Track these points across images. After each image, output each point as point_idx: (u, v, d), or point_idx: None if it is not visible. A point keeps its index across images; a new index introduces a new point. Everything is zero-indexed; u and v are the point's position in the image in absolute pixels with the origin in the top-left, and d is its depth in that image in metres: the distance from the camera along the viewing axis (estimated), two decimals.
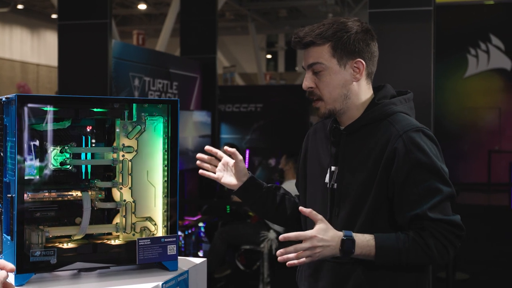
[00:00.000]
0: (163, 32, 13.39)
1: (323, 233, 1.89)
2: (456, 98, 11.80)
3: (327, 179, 2.09)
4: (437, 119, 9.96)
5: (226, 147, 2.18)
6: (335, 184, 2.05)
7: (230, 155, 2.18)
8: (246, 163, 9.34)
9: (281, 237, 1.90)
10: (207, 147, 2.21)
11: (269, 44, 25.35)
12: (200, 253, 6.51)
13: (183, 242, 6.29)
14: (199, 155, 2.22)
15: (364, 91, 2.08)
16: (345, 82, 2.03)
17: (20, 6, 18.19)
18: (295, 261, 1.89)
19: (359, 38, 2.03)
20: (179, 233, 6.22)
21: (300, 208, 1.96)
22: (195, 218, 6.78)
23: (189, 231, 6.42)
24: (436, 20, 7.45)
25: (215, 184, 7.88)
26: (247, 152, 9.46)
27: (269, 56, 26.52)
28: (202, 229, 6.70)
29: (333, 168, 2.08)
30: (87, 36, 5.42)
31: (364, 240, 1.92)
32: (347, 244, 1.90)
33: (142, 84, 6.51)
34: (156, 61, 7.17)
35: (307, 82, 2.05)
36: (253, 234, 5.75)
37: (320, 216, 1.92)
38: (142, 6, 18.02)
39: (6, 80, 19.51)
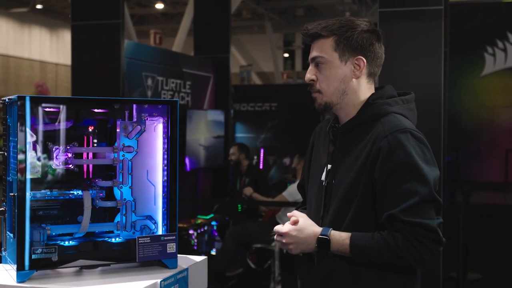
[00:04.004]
0: (180, 31, 13.46)
1: (297, 232, 2.04)
2: (472, 97, 11.72)
3: (323, 177, 2.14)
4: (453, 118, 9.91)
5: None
6: (329, 182, 2.11)
7: None
8: (261, 163, 9.36)
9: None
10: None
11: (286, 43, 25.30)
12: (213, 252, 6.54)
13: (195, 240, 6.33)
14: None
15: (363, 90, 2.10)
16: (344, 77, 2.07)
17: (39, 6, 18.37)
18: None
19: (364, 36, 2.06)
20: (192, 231, 6.26)
21: (288, 214, 2.09)
22: (208, 217, 6.82)
23: (202, 230, 6.46)
24: (452, 18, 7.40)
25: (227, 183, 7.91)
26: (262, 151, 9.48)
27: (286, 55, 26.49)
28: (215, 228, 6.73)
29: (329, 166, 2.13)
30: (100, 37, 5.47)
31: (340, 239, 2.00)
32: (322, 242, 2.01)
33: (155, 84, 6.56)
34: (169, 61, 7.21)
35: (309, 74, 2.11)
36: (264, 233, 5.78)
37: (298, 215, 2.08)
38: (159, 6, 18.11)
39: (25, 80, 19.73)
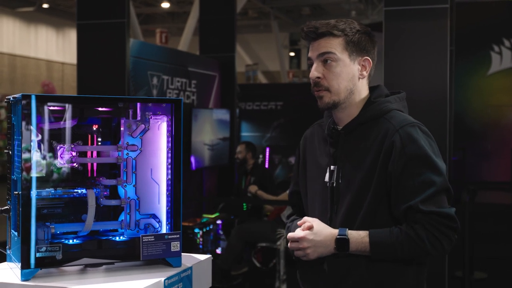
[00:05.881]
0: (185, 30, 13.47)
1: (314, 235, 2.01)
2: (479, 96, 11.68)
3: (326, 178, 2.13)
4: (460, 117, 9.88)
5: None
6: (335, 183, 2.10)
7: None
8: (266, 161, 9.36)
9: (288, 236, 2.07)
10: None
11: (292, 42, 25.28)
12: (218, 250, 6.55)
13: (201, 239, 6.34)
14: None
15: (364, 90, 2.15)
16: (352, 76, 2.09)
17: (45, 5, 18.42)
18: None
19: (368, 39, 2.12)
20: (197, 230, 6.27)
21: (298, 222, 2.07)
22: (213, 216, 6.82)
23: (207, 229, 6.46)
24: (458, 17, 7.37)
25: (233, 182, 7.92)
26: (267, 150, 9.48)
27: (292, 54, 26.47)
28: (220, 227, 6.74)
29: (332, 167, 2.12)
30: (105, 36, 5.49)
31: (358, 238, 1.99)
32: (341, 242, 1.99)
33: (160, 83, 6.56)
34: (175, 60, 7.21)
35: (316, 72, 2.09)
36: (270, 231, 5.78)
37: (311, 220, 2.04)
38: (165, 5, 18.12)
39: (31, 79, 19.79)
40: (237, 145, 7.45)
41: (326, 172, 2.14)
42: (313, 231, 2.02)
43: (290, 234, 2.06)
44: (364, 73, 2.12)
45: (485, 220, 7.62)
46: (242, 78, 16.49)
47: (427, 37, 4.54)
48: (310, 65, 2.13)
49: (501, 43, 11.44)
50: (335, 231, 2.01)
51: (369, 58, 2.12)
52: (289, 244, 2.08)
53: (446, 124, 4.45)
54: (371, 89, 2.18)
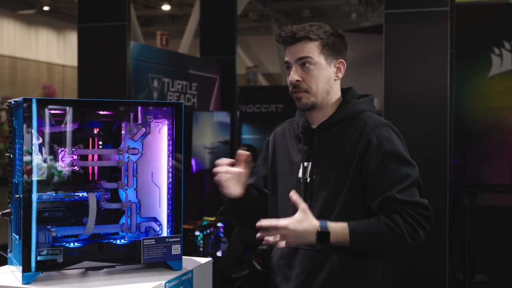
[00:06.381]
0: (186, 33, 13.47)
1: (296, 224, 2.04)
2: (479, 98, 11.66)
3: (300, 174, 2.21)
4: (460, 119, 9.87)
5: (241, 152, 2.35)
6: (308, 178, 2.18)
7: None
8: None
9: (257, 224, 2.06)
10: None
11: None
12: (219, 253, 6.55)
13: (201, 242, 6.34)
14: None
15: (338, 91, 2.26)
16: (329, 79, 2.20)
17: (46, 8, 18.43)
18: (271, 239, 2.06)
19: (341, 42, 2.24)
20: (197, 233, 6.27)
21: (291, 194, 2.09)
22: (214, 218, 6.82)
23: (208, 231, 6.46)
24: (458, 19, 7.37)
25: None
26: None
27: None
28: (221, 229, 6.73)
29: (306, 163, 2.21)
30: (106, 38, 5.49)
31: (338, 229, 2.05)
32: (322, 236, 2.04)
33: (161, 85, 6.57)
34: (175, 62, 7.21)
35: (295, 75, 2.18)
36: None
37: (302, 206, 2.06)
38: (165, 7, 18.13)
39: (32, 81, 19.80)
40: (238, 147, 7.44)
41: (299, 168, 2.21)
42: (296, 219, 2.04)
43: (271, 222, 2.05)
44: (339, 74, 2.23)
45: (486, 222, 7.62)
46: (242, 81, 16.50)
47: (427, 39, 4.54)
48: (287, 68, 2.23)
49: (502, 45, 11.43)
50: (316, 223, 2.05)
51: (343, 61, 2.23)
52: (265, 232, 2.05)
53: (446, 126, 4.45)
54: (343, 90, 2.29)
